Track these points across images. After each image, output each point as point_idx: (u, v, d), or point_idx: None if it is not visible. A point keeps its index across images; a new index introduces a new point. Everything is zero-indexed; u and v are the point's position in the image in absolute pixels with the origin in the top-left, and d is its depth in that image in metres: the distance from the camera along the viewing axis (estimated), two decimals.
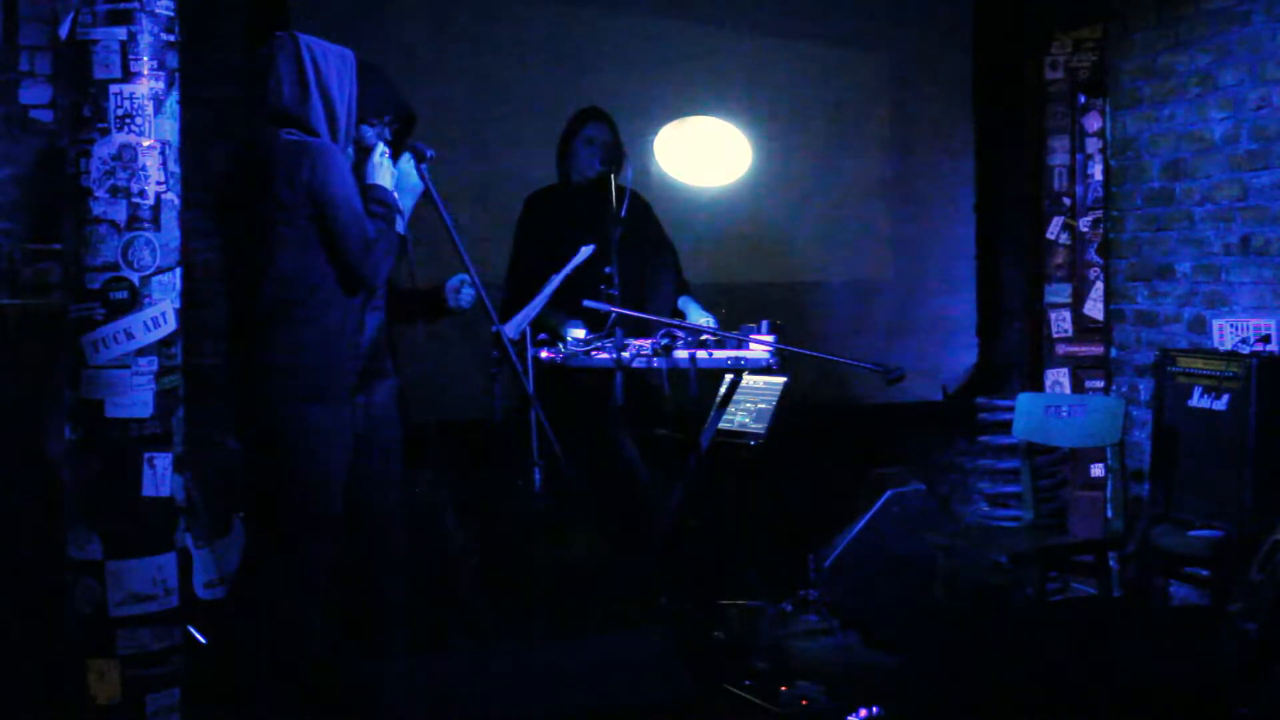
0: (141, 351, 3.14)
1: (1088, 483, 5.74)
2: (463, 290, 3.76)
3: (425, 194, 3.50)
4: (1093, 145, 5.81)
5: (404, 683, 3.07)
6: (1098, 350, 5.59)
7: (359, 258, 3.22)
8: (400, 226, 3.40)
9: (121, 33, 3.10)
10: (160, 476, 3.17)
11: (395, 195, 3.39)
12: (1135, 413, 4.95)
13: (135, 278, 3.13)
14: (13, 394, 3.91)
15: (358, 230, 3.21)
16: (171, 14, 3.19)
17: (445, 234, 3.47)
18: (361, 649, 3.51)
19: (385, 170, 3.40)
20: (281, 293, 3.18)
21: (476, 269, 3.62)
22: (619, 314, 4.09)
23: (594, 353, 4.08)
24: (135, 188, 3.13)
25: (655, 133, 5.10)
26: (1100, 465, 5.42)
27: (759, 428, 4.24)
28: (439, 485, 4.26)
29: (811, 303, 5.60)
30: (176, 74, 3.21)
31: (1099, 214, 5.59)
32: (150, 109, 3.14)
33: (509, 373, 3.65)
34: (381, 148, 3.44)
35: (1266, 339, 4.31)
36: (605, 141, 4.49)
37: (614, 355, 4.05)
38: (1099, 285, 5.61)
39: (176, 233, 3.24)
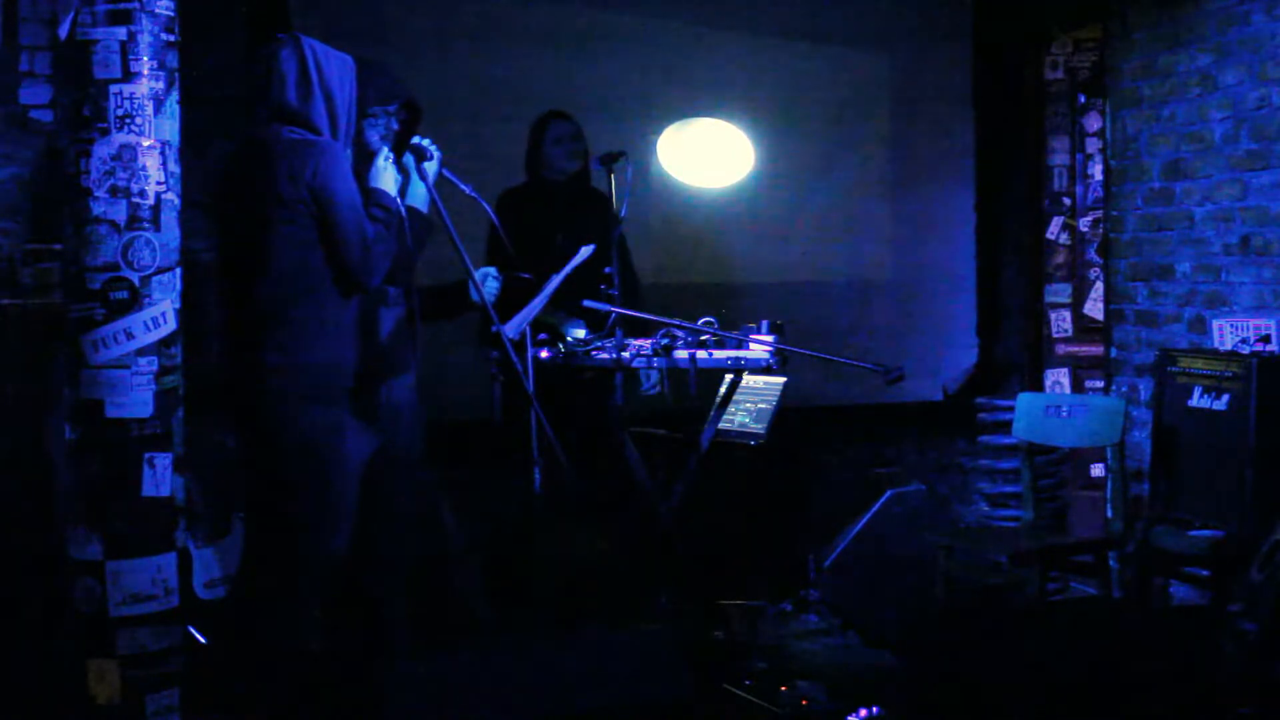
0: (141, 351, 3.14)
1: (1088, 483, 5.74)
2: (486, 283, 3.80)
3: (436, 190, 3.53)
4: (1093, 145, 5.81)
5: (404, 683, 3.07)
6: (1098, 350, 5.59)
7: (357, 259, 3.22)
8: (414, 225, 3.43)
9: (121, 33, 3.10)
10: (160, 476, 3.17)
11: (399, 201, 3.39)
12: (1135, 413, 4.95)
13: (135, 278, 3.13)
14: (13, 394, 3.90)
15: (357, 231, 3.21)
16: (171, 14, 3.19)
17: (445, 234, 3.48)
18: (362, 649, 3.51)
19: (388, 175, 3.41)
20: (279, 291, 3.18)
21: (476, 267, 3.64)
22: (619, 314, 4.09)
23: (594, 353, 4.08)
24: (135, 188, 3.13)
25: (656, 132, 5.11)
26: (1100, 465, 5.42)
27: (759, 428, 4.24)
28: (439, 485, 4.26)
29: (811, 303, 5.60)
30: (176, 74, 3.21)
31: (1099, 214, 5.59)
32: (150, 109, 3.14)
33: (509, 373, 3.66)
34: (386, 152, 3.45)
35: (1266, 339, 4.30)
36: (571, 137, 4.65)
37: (614, 355, 4.05)
38: (1099, 285, 5.61)
39: (176, 233, 3.24)
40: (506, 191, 4.70)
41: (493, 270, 3.92)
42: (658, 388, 4.03)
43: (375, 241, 3.25)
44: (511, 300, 4.10)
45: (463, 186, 3.60)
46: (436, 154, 3.55)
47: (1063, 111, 5.87)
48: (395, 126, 3.55)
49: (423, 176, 3.51)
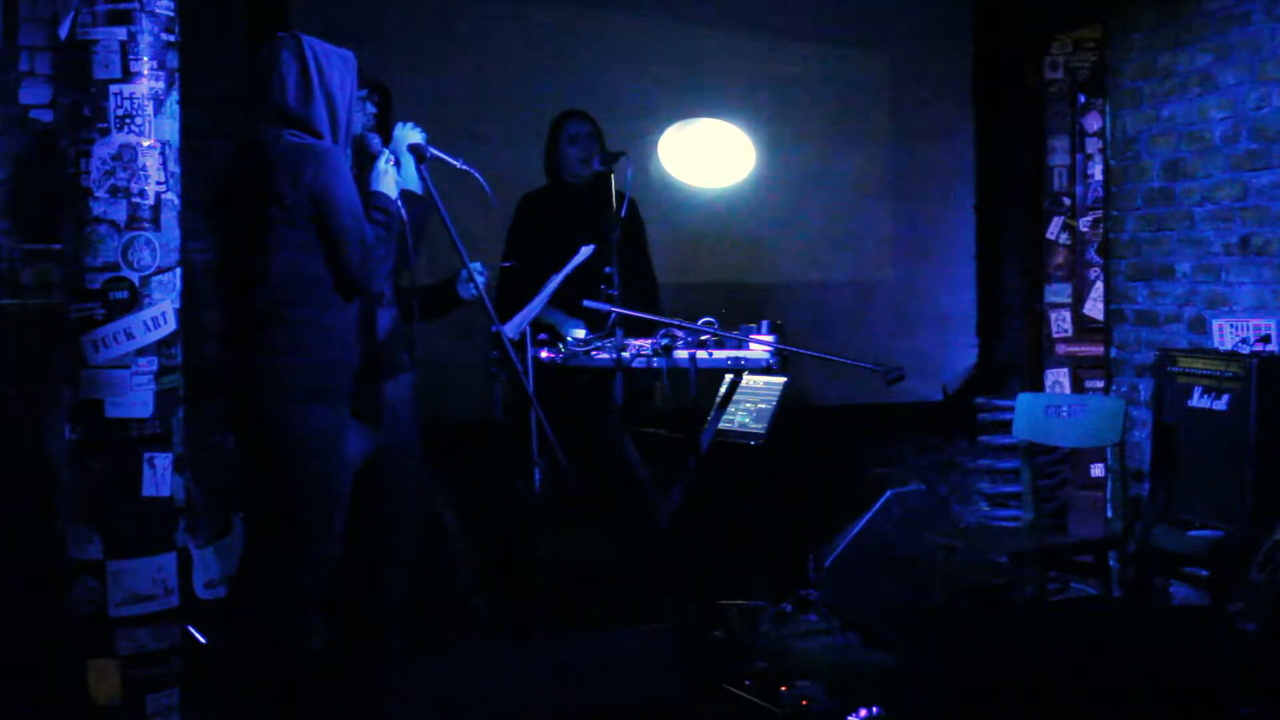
0: (141, 351, 3.15)
1: (1088, 483, 5.74)
2: (475, 279, 3.80)
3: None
4: (1093, 145, 5.81)
5: (404, 683, 3.07)
6: (1098, 350, 5.59)
7: (356, 262, 3.20)
8: (408, 230, 3.42)
9: (121, 33, 3.11)
10: (160, 476, 3.17)
11: (399, 204, 3.39)
12: (1135, 413, 4.95)
13: (135, 278, 3.14)
14: (13, 394, 3.90)
15: (357, 235, 3.20)
16: (171, 14, 3.20)
17: (445, 234, 3.47)
18: (362, 649, 3.51)
19: (389, 178, 3.40)
20: (277, 294, 3.17)
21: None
22: (619, 314, 4.09)
23: (594, 353, 4.07)
24: (135, 188, 3.13)
25: (656, 132, 5.11)
26: (1100, 465, 5.42)
27: (759, 428, 4.24)
28: (439, 485, 4.26)
29: (811, 303, 5.60)
30: (176, 74, 3.21)
31: (1099, 214, 5.59)
32: (150, 109, 3.14)
33: (509, 373, 3.65)
34: (387, 154, 3.43)
35: (1266, 339, 4.30)
36: (587, 135, 4.59)
37: (614, 355, 4.05)
38: (1099, 285, 5.61)
39: (176, 233, 3.24)
40: (526, 196, 4.68)
41: (478, 265, 3.91)
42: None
43: (375, 245, 3.23)
44: (513, 299, 4.09)
45: (453, 161, 3.57)
46: (422, 135, 3.53)
47: (1063, 111, 5.87)
48: (372, 110, 3.55)
49: (422, 176, 3.50)
